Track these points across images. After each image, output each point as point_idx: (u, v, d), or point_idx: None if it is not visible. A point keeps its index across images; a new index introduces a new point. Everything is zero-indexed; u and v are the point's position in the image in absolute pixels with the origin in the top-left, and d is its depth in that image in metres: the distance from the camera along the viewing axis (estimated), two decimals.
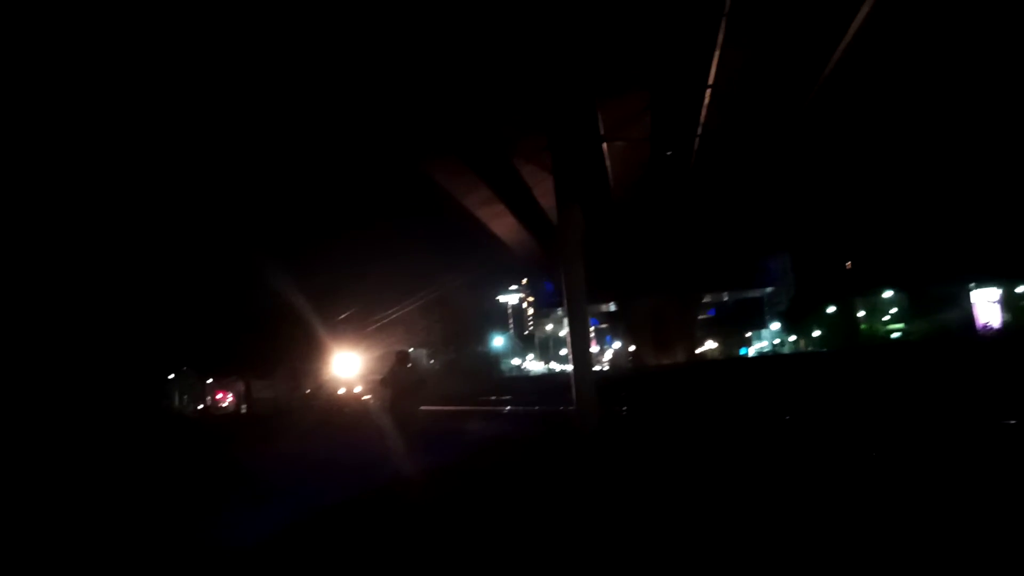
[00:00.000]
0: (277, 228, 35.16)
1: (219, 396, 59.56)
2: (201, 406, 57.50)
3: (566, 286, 25.12)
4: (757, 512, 6.49)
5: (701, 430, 14.09)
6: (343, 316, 39.66)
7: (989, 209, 39.38)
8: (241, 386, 52.90)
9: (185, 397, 57.57)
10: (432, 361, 65.58)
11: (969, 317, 47.66)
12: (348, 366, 36.91)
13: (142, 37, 20.86)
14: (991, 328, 44.28)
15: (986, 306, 47.43)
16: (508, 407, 28.53)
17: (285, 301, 33.33)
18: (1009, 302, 48.17)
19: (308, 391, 45.57)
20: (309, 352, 39.89)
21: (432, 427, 19.21)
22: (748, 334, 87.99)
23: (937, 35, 21.67)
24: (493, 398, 32.58)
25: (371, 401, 28.22)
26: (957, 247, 43.45)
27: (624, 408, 21.00)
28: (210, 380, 56.60)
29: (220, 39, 20.74)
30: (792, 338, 77.83)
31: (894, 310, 64.32)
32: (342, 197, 34.48)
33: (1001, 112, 28.65)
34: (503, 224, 37.94)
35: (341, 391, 36.21)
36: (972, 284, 48.75)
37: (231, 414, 53.05)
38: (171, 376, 51.42)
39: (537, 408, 26.03)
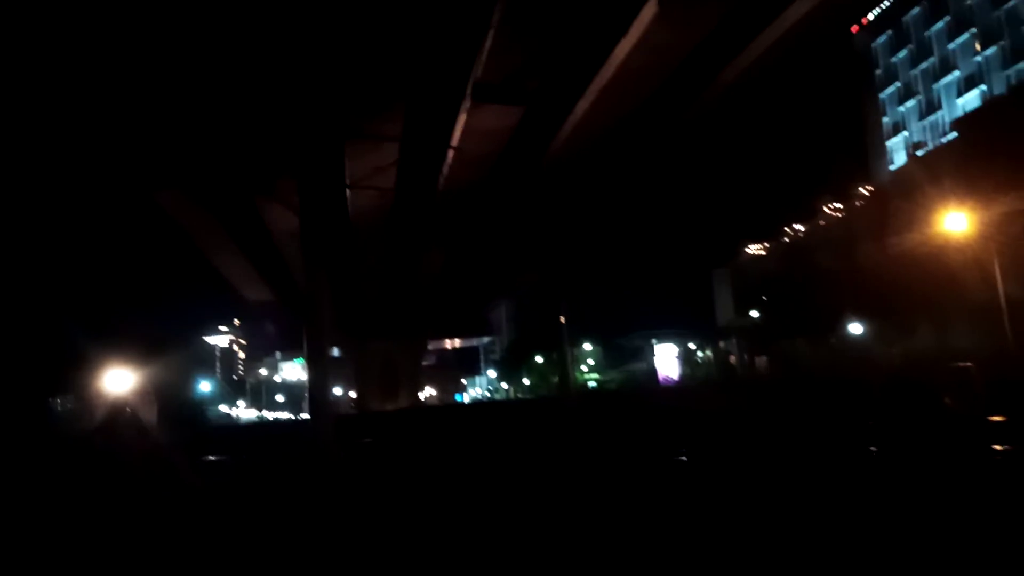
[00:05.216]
0: None
1: None
2: None
3: (307, 332, 24.71)
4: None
5: (422, 463, 16.76)
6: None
7: (670, 272, 46.31)
8: None
9: None
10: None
11: (653, 369, 54.85)
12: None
13: None
14: (670, 379, 51.43)
15: (668, 359, 54.99)
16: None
17: None
18: (686, 356, 56.48)
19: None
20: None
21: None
22: (464, 381, 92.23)
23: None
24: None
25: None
26: (644, 304, 50.13)
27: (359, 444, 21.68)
28: None
29: None
30: (504, 385, 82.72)
31: (591, 361, 71.76)
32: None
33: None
34: (233, 264, 36.10)
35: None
36: (654, 340, 56.37)
37: None
38: None
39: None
